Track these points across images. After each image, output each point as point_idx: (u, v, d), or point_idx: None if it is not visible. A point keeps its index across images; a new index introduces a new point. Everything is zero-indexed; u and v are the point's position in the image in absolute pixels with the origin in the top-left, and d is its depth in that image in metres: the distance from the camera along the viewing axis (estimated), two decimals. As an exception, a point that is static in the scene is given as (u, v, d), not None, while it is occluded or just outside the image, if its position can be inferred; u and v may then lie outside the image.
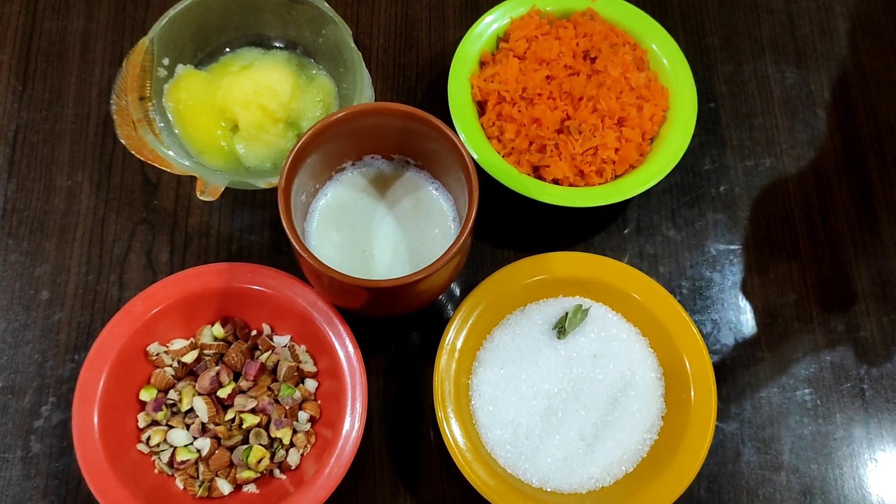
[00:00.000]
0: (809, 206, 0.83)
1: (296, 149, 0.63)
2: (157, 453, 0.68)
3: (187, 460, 0.67)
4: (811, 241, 0.81)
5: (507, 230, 0.81)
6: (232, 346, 0.70)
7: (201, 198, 0.70)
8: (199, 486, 0.67)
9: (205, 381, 0.68)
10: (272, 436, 0.68)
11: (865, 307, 0.79)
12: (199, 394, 0.69)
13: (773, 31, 0.90)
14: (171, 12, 0.75)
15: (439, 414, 0.67)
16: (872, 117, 0.86)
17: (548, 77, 0.79)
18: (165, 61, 0.77)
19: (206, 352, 0.70)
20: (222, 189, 0.71)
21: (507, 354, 0.71)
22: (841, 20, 0.91)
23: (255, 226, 0.79)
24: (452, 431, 0.67)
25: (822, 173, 0.84)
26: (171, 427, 0.68)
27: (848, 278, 0.80)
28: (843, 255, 0.81)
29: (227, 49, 0.81)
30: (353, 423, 0.66)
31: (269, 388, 0.70)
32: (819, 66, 0.89)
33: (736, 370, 0.77)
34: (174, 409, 0.69)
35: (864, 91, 0.88)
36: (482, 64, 0.82)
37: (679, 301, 0.74)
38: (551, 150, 0.76)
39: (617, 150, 0.77)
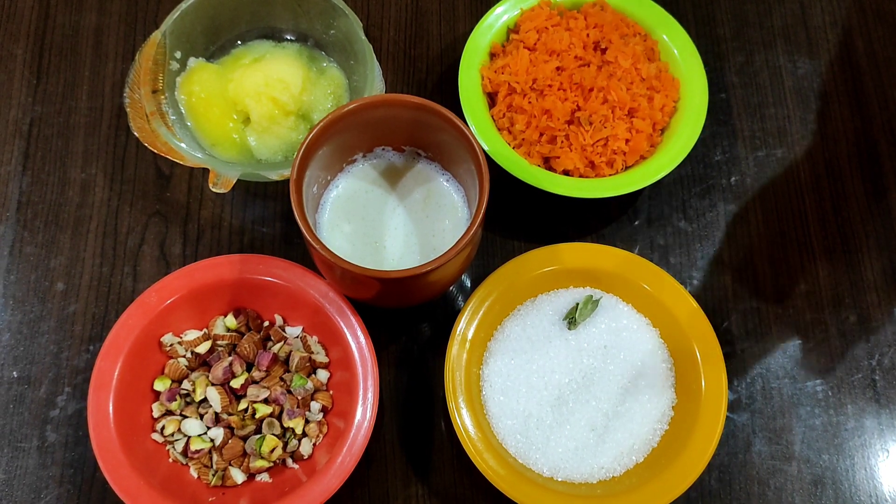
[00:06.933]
0: (821, 197, 0.82)
1: (307, 141, 0.63)
2: (171, 443, 0.69)
3: (201, 450, 0.68)
4: (823, 231, 0.81)
5: (518, 221, 0.81)
6: (245, 337, 0.71)
7: (214, 190, 0.70)
8: (213, 475, 0.68)
9: (218, 371, 0.69)
10: (285, 426, 0.68)
11: (877, 298, 0.79)
12: (213, 384, 0.69)
13: (784, 21, 0.90)
14: (183, 6, 0.75)
15: (450, 404, 0.67)
16: (885, 107, 0.86)
17: (558, 68, 0.79)
18: (178, 54, 0.77)
19: (219, 342, 0.71)
20: (234, 181, 0.71)
21: (518, 345, 0.71)
22: (853, 10, 0.91)
23: (266, 217, 0.80)
24: (463, 421, 0.67)
25: (834, 164, 0.84)
26: (184, 417, 0.69)
27: (860, 269, 0.80)
28: (855, 246, 0.81)
29: (239, 42, 0.82)
30: (364, 413, 0.66)
31: (282, 379, 0.70)
32: (831, 55, 0.88)
33: (747, 360, 0.76)
34: (188, 399, 0.70)
35: (876, 81, 0.87)
36: (492, 55, 0.82)
37: (690, 292, 0.74)
38: (562, 142, 0.76)
39: (627, 140, 0.77)
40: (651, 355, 0.71)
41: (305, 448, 0.69)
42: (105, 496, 0.70)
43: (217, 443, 0.68)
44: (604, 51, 0.80)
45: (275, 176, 0.72)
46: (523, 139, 0.78)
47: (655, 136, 0.79)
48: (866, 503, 0.73)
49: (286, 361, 0.71)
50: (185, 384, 0.70)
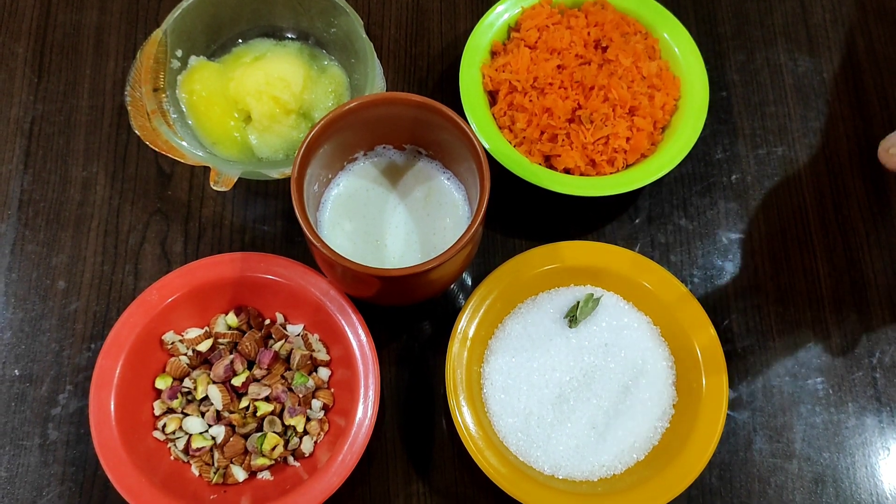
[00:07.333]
0: (822, 195, 0.83)
1: (308, 139, 0.63)
2: (172, 440, 0.69)
3: (202, 447, 0.68)
4: (823, 229, 0.81)
5: (519, 220, 0.81)
6: (246, 335, 0.71)
7: (215, 188, 0.71)
8: (214, 473, 0.68)
9: (219, 369, 0.69)
10: (286, 423, 0.69)
11: (878, 296, 0.79)
12: (214, 382, 0.69)
13: (785, 19, 0.90)
14: (185, 4, 0.75)
15: (451, 402, 0.67)
16: (885, 105, 0.86)
17: (559, 66, 0.79)
18: (179, 53, 0.77)
19: (220, 340, 0.71)
20: (235, 179, 0.71)
21: (519, 343, 0.71)
22: (853, 7, 0.91)
23: (267, 216, 0.80)
24: (464, 419, 0.67)
25: (835, 161, 0.84)
26: (186, 415, 0.69)
27: (860, 267, 0.80)
28: (856, 244, 0.81)
29: (240, 40, 0.82)
30: (365, 411, 0.66)
31: (283, 377, 0.70)
32: (832, 53, 0.88)
33: (748, 359, 0.77)
34: (189, 397, 0.70)
35: (876, 78, 0.87)
36: (493, 54, 0.82)
37: (690, 290, 0.74)
38: (563, 140, 0.77)
39: (628, 139, 0.77)
40: (652, 353, 0.71)
41: (306, 446, 0.69)
42: (107, 494, 0.71)
43: (218, 441, 0.68)
44: (605, 49, 0.80)
45: (276, 174, 0.72)
46: (524, 137, 0.78)
47: (656, 134, 0.79)
48: (867, 501, 0.73)
49: (287, 359, 0.71)
50: (187, 382, 0.70)
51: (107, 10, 0.87)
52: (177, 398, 0.69)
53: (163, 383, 0.69)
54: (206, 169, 0.80)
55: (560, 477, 0.68)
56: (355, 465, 0.65)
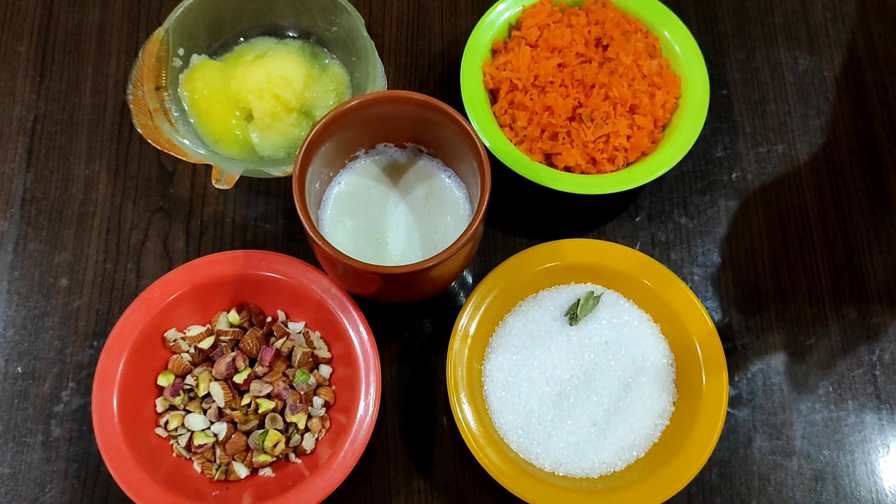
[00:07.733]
0: (822, 192, 0.83)
1: (309, 137, 0.63)
2: (174, 437, 0.69)
3: (204, 444, 0.68)
4: (823, 227, 0.81)
5: (520, 218, 0.81)
6: (247, 333, 0.71)
7: (216, 186, 0.71)
8: (217, 470, 0.68)
9: (221, 366, 0.69)
10: (287, 421, 0.69)
11: (877, 293, 0.79)
12: (216, 379, 0.70)
13: (785, 18, 0.90)
14: (186, 3, 0.76)
15: (452, 399, 0.68)
16: (885, 103, 0.86)
17: (560, 65, 0.79)
18: (181, 51, 0.77)
19: (222, 338, 0.71)
20: (237, 177, 0.71)
21: (520, 341, 0.71)
22: (854, 5, 0.91)
23: (269, 214, 0.80)
24: (465, 416, 0.67)
25: (835, 159, 0.84)
26: (188, 412, 0.69)
27: (860, 264, 0.80)
28: (856, 241, 0.81)
29: (242, 39, 0.82)
30: (367, 409, 0.66)
31: (284, 374, 0.70)
32: (832, 51, 0.89)
33: (748, 356, 0.77)
34: (191, 395, 0.70)
35: (877, 76, 0.87)
36: (494, 52, 0.82)
37: (691, 288, 0.74)
38: (563, 138, 0.77)
39: (629, 137, 0.77)
40: (652, 351, 0.72)
41: (308, 443, 0.69)
42: (109, 491, 0.71)
43: (220, 438, 0.68)
44: (605, 47, 0.80)
45: (277, 172, 0.72)
46: (525, 136, 0.78)
47: (657, 132, 0.79)
48: (867, 498, 0.73)
49: (289, 357, 0.71)
50: (189, 379, 0.70)
51: (109, 8, 0.88)
52: (179, 395, 0.69)
53: (165, 380, 0.70)
54: (208, 167, 0.81)
55: (560, 474, 0.68)
56: (356, 462, 0.65)
